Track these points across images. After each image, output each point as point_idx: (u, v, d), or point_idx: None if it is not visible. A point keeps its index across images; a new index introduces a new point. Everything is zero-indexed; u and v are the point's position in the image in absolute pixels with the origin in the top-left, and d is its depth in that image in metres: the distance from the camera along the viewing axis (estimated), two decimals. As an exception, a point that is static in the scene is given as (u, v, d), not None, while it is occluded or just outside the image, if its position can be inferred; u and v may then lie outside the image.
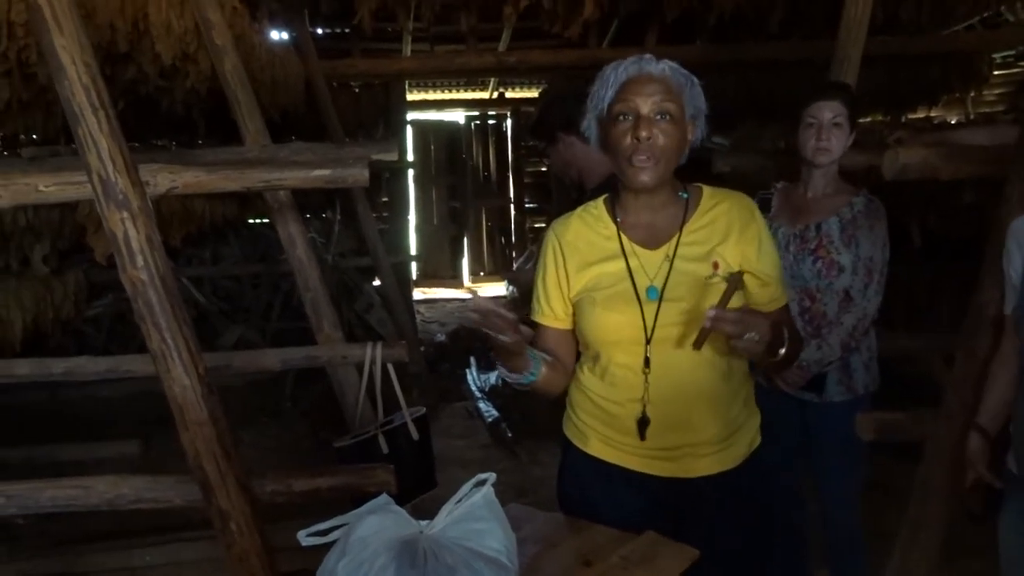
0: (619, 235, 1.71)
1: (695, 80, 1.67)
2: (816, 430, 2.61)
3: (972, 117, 7.11)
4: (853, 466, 2.60)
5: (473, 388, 6.00)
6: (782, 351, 1.60)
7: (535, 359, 1.68)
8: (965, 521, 2.02)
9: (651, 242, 1.69)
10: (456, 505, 1.36)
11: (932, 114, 7.39)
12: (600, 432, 1.74)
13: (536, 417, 5.16)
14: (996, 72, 7.02)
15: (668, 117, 1.60)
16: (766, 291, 1.71)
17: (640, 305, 1.63)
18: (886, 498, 2.92)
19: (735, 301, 1.59)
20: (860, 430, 2.36)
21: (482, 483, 1.39)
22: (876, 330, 2.60)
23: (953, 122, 6.26)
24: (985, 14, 6.12)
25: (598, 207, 1.78)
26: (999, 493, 1.86)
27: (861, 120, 3.02)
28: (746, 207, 1.71)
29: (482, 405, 5.60)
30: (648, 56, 1.65)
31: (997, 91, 7.57)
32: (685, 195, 1.72)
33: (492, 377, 6.13)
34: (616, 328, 1.65)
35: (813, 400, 2.56)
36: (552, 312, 1.78)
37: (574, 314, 1.75)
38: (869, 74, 3.02)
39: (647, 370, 1.63)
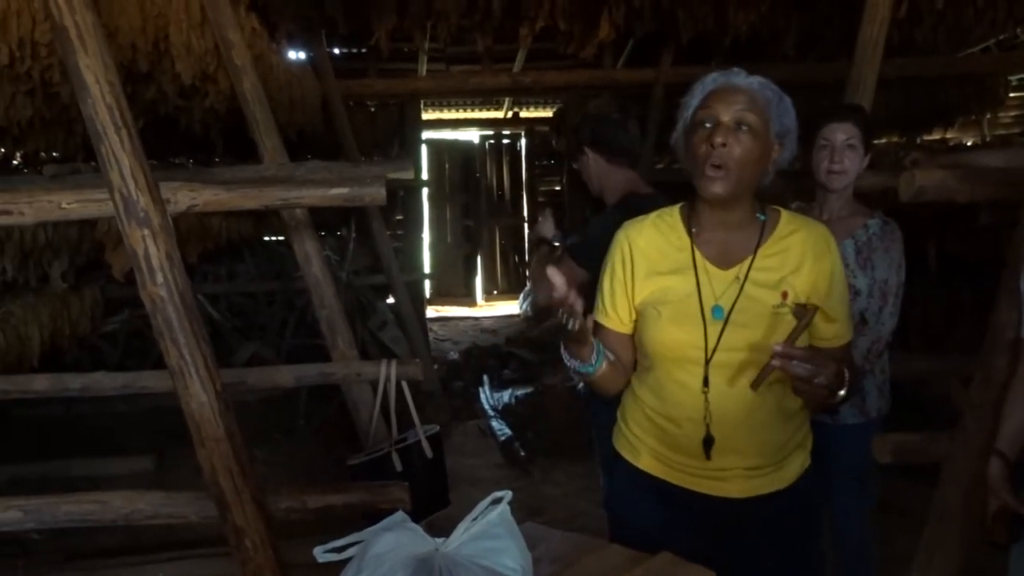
0: (692, 248, 1.68)
1: (785, 97, 1.64)
2: (828, 452, 2.59)
3: (988, 139, 7.09)
4: (864, 487, 2.59)
5: (486, 406, 6.00)
6: (842, 393, 1.55)
7: (599, 351, 1.66)
8: (980, 545, 2.00)
9: (723, 261, 1.65)
10: (472, 523, 1.35)
11: (947, 136, 7.38)
12: (652, 447, 1.72)
13: (550, 436, 5.15)
14: (1012, 94, 7.02)
15: (748, 128, 1.56)
16: (832, 327, 1.67)
17: (704, 324, 1.60)
18: (900, 520, 2.91)
19: (799, 340, 1.54)
20: (877, 452, 2.34)
21: (498, 501, 1.39)
22: (890, 353, 2.60)
23: (969, 144, 6.25)
24: (1001, 36, 6.12)
25: (673, 215, 1.74)
26: (1022, 520, 1.84)
27: (876, 142, 3.02)
28: (823, 238, 1.66)
29: (495, 423, 5.59)
30: (737, 69, 1.63)
31: (1013, 113, 7.57)
32: (763, 217, 1.68)
33: (505, 395, 6.13)
34: (677, 344, 1.62)
35: (826, 422, 2.55)
36: (616, 315, 1.75)
37: (636, 321, 1.73)
38: (884, 96, 3.04)
39: (706, 389, 1.60)
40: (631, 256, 1.72)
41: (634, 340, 1.76)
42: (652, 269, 1.69)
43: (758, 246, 1.65)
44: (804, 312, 1.56)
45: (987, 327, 2.19)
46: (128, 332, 6.18)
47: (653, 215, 1.77)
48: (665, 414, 1.67)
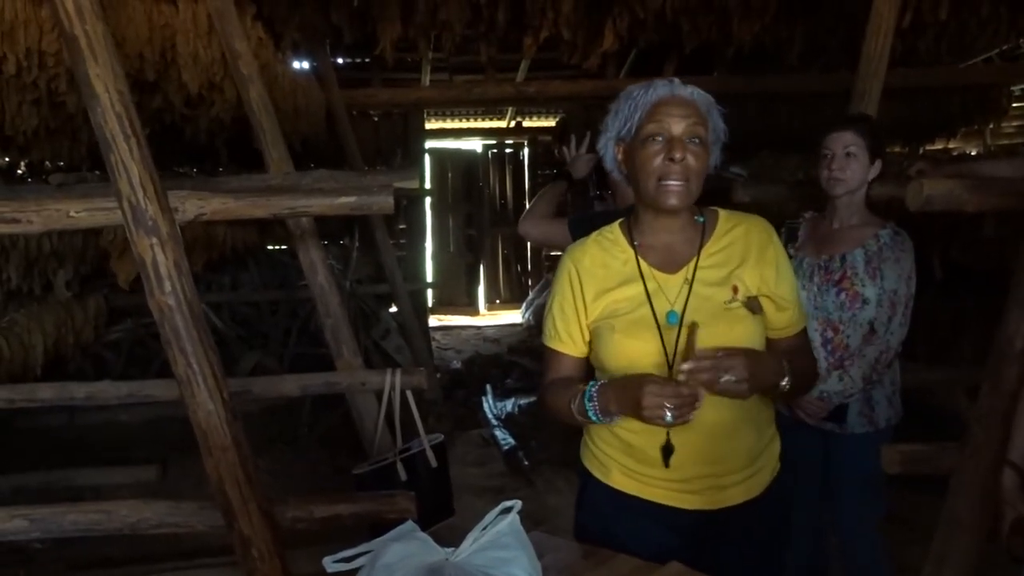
0: (636, 259, 1.69)
1: (717, 106, 1.66)
2: (836, 462, 2.59)
3: (991, 149, 7.10)
4: (872, 499, 2.58)
5: (489, 415, 5.98)
6: (784, 383, 1.58)
7: None
8: (990, 556, 1.99)
9: (669, 266, 1.66)
10: (482, 532, 1.35)
11: (950, 146, 7.39)
12: (622, 463, 1.71)
13: (553, 445, 5.14)
14: (1015, 104, 7.02)
15: (698, 141, 1.59)
16: (783, 315, 1.69)
17: (660, 331, 1.61)
18: (908, 532, 2.89)
19: (752, 325, 1.59)
20: (886, 463, 2.33)
21: (507, 511, 1.38)
22: (900, 363, 2.59)
23: (973, 154, 6.25)
24: (1003, 47, 6.14)
25: (613, 231, 1.76)
26: None
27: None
28: (763, 230, 1.70)
29: (498, 433, 5.58)
30: (676, 79, 1.64)
31: (1016, 123, 7.57)
32: (701, 219, 1.71)
33: (508, 404, 6.12)
34: (636, 355, 1.62)
35: (834, 431, 2.55)
36: (570, 339, 1.74)
37: (591, 341, 1.72)
38: (888, 106, 3.03)
39: None
40: (578, 277, 1.72)
41: (590, 361, 1.76)
42: (601, 287, 1.69)
43: (701, 246, 1.67)
44: (757, 305, 1.60)
45: (994, 338, 2.18)
46: (132, 341, 6.18)
47: (594, 234, 1.78)
48: (631, 427, 1.65)
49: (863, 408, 2.52)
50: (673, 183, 1.58)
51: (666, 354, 1.60)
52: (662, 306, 1.63)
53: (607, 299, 1.68)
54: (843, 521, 2.62)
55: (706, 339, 1.57)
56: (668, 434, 1.60)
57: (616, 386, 1.56)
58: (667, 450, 1.62)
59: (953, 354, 4.54)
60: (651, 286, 1.65)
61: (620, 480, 1.72)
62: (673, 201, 1.60)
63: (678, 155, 1.57)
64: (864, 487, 2.56)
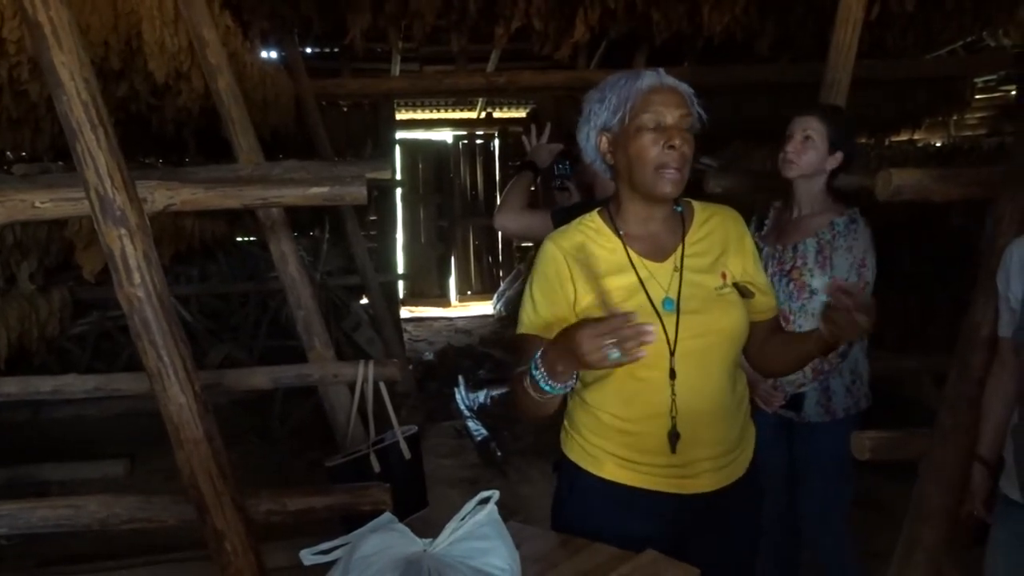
0: (625, 247, 1.68)
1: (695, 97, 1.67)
2: (797, 450, 2.60)
3: (955, 140, 7.21)
4: (835, 488, 2.58)
5: (462, 407, 5.98)
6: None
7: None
8: (958, 540, 2.04)
9: (656, 254, 1.67)
10: (460, 523, 1.35)
11: (915, 137, 7.48)
12: (616, 454, 1.68)
13: (525, 436, 5.15)
14: (978, 96, 7.13)
15: (688, 128, 1.61)
16: (766, 300, 1.73)
17: (660, 317, 1.60)
18: (880, 517, 2.94)
19: (743, 310, 1.62)
20: (855, 449, 2.36)
21: (485, 501, 1.38)
22: (867, 352, 2.60)
23: (938, 145, 6.33)
24: (968, 39, 6.22)
25: (594, 220, 1.74)
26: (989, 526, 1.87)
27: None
28: (738, 220, 1.75)
29: (471, 424, 5.58)
30: (661, 70, 1.64)
31: (979, 115, 7.68)
32: (679, 209, 1.73)
33: (480, 396, 6.11)
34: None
35: (792, 419, 2.56)
36: (558, 325, 1.63)
37: None
38: (854, 97, 3.05)
39: (673, 382, 1.60)
40: (567, 264, 1.67)
41: None
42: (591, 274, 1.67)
43: (684, 235, 1.69)
44: (747, 291, 1.65)
45: (962, 325, 2.21)
46: (98, 334, 6.09)
47: (574, 224, 1.76)
48: (628, 416, 1.64)
49: (820, 398, 2.51)
50: (671, 171, 1.59)
51: (668, 340, 1.60)
52: (657, 294, 1.63)
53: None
54: (807, 509, 2.62)
55: (701, 325, 1.60)
56: (674, 420, 1.60)
57: (555, 343, 1.45)
58: (674, 436, 1.61)
59: (921, 342, 4.60)
60: (643, 274, 1.65)
61: (614, 471, 1.69)
62: (669, 189, 1.61)
63: (677, 142, 1.58)
64: (826, 476, 2.56)
